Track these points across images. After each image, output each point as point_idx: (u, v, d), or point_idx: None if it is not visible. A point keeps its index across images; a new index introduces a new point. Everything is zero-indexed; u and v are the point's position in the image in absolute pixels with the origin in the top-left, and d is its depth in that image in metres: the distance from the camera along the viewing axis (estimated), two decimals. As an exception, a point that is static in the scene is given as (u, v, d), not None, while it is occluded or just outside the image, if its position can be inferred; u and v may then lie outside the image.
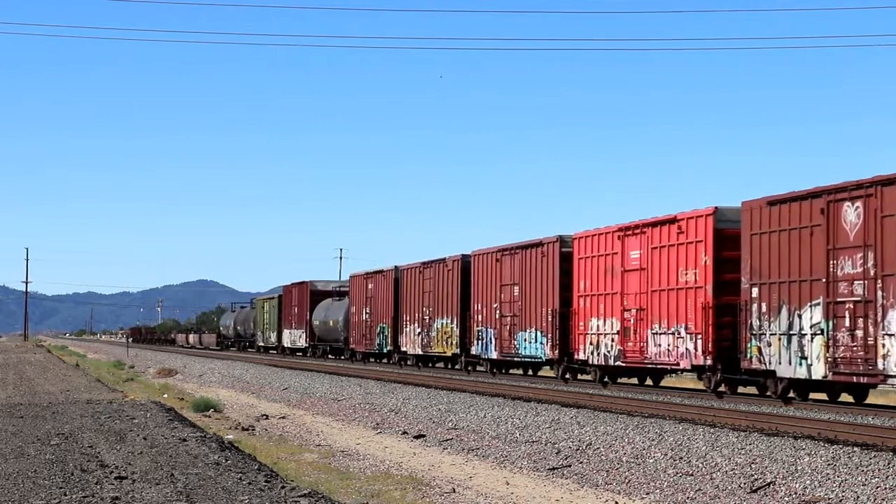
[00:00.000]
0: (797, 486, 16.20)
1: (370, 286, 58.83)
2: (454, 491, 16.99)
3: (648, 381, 38.27)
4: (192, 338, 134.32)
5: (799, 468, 17.32)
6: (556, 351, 39.03)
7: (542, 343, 40.09)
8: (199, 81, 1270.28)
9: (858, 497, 15.23)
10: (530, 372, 45.01)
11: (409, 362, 54.71)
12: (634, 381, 39.18)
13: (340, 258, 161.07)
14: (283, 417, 30.00)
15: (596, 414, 26.13)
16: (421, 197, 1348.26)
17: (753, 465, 17.85)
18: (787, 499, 15.60)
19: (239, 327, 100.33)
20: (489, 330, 44.51)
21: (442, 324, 49.40)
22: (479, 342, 45.43)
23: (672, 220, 33.01)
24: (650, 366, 34.58)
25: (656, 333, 33.58)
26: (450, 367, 51.34)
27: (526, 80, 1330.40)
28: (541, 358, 40.46)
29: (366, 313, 59.40)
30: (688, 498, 16.09)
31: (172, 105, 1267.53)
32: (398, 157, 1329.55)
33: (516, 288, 42.09)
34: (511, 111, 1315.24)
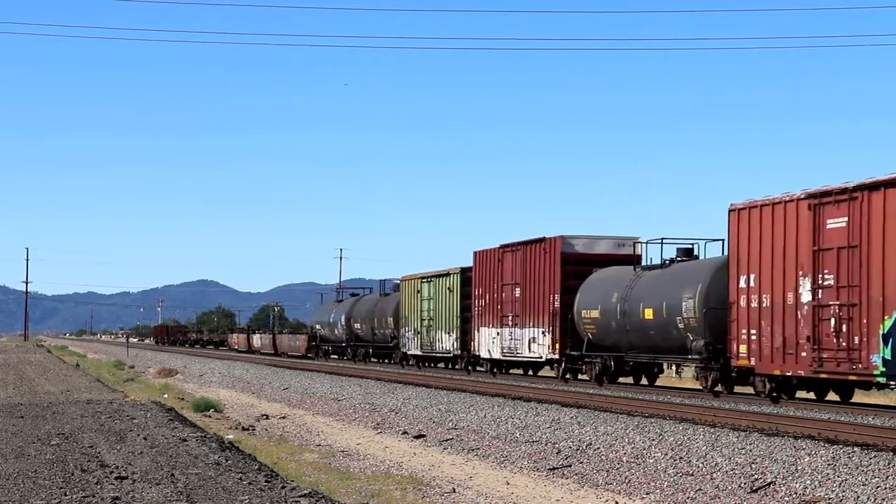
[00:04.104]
0: (797, 486, 16.20)
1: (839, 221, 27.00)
2: (454, 491, 16.98)
3: None
4: (257, 340, 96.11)
5: (799, 468, 17.32)
6: None
7: None
8: (200, 81, 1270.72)
9: (858, 497, 15.23)
10: None
11: None
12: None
13: (340, 258, 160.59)
14: (284, 417, 30.00)
15: (596, 414, 26.14)
16: (421, 197, 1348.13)
17: (753, 465, 17.85)
18: (787, 499, 15.60)
19: (357, 325, 66.15)
20: None
21: None
22: None
23: None
24: None
25: None
26: None
27: (527, 80, 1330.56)
28: None
29: (818, 285, 27.48)
30: (688, 498, 16.09)
31: (173, 105, 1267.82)
32: (398, 157, 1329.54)
33: None
34: (512, 111, 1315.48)
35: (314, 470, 19.13)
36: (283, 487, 14.75)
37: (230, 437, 23.03)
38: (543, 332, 40.75)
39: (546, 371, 44.44)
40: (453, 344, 49.76)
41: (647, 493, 16.58)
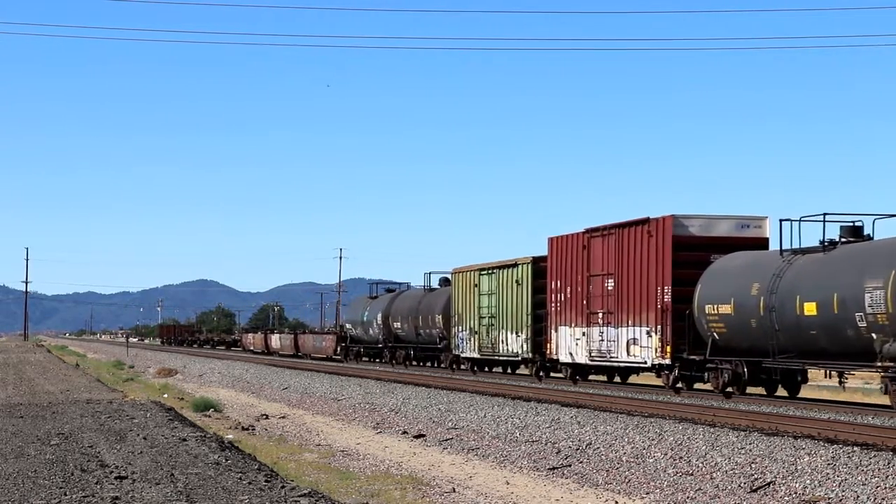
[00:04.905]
0: (797, 485, 16.19)
1: None
2: (454, 491, 16.98)
3: None
4: (276, 340, 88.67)
5: (799, 468, 17.32)
6: None
7: None
8: (199, 81, 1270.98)
9: (858, 497, 15.23)
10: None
11: None
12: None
13: (340, 258, 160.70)
14: (283, 417, 30.00)
15: (596, 414, 26.14)
16: (421, 197, 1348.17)
17: (753, 465, 17.85)
18: (787, 498, 15.60)
19: (397, 324, 58.24)
20: None
21: None
22: None
23: None
24: None
25: None
26: None
27: (527, 80, 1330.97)
28: None
29: None
30: (688, 497, 16.09)
31: (172, 105, 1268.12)
32: (398, 157, 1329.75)
33: None
34: (512, 111, 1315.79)
35: (314, 470, 19.13)
36: (282, 487, 14.75)
37: (230, 436, 23.04)
38: (648, 332, 33.65)
39: (645, 378, 38.73)
40: (522, 346, 42.47)
41: (647, 493, 16.58)
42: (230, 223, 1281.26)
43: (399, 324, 57.93)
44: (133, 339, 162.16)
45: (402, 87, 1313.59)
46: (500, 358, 45.13)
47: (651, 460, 19.20)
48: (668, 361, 32.85)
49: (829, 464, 17.46)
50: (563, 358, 38.82)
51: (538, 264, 41.65)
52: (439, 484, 17.66)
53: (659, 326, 33.10)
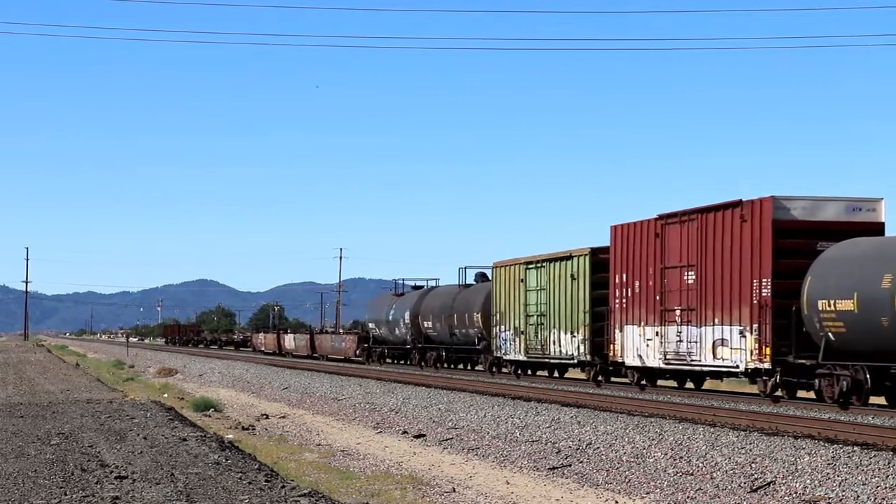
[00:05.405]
0: (797, 485, 16.20)
1: None
2: (454, 490, 16.98)
3: None
4: (290, 341, 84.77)
5: (799, 468, 17.33)
6: None
7: None
8: (200, 81, 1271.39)
9: (858, 497, 15.23)
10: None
11: None
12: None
13: (340, 258, 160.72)
14: (284, 417, 30.01)
15: (596, 413, 26.15)
16: (421, 197, 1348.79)
17: (753, 465, 17.85)
18: (787, 498, 15.60)
19: (428, 323, 53.83)
20: None
21: None
22: None
23: None
24: None
25: None
26: None
27: (527, 80, 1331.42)
28: None
29: None
30: (688, 497, 16.09)
31: (173, 105, 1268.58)
32: (398, 157, 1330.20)
33: None
34: (512, 111, 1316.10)
35: (314, 469, 19.13)
36: (282, 487, 14.75)
37: (230, 436, 23.04)
38: (741, 332, 29.42)
39: (729, 383, 35.20)
40: (578, 347, 38.16)
41: (647, 493, 16.58)
42: (230, 223, 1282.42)
43: (430, 323, 53.48)
44: (133, 339, 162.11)
45: (402, 86, 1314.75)
46: (552, 361, 40.81)
47: (651, 460, 19.21)
48: (767, 366, 28.56)
49: (829, 464, 17.47)
50: (630, 361, 34.58)
51: (597, 256, 37.46)
52: (439, 484, 17.66)
53: (755, 325, 28.93)
